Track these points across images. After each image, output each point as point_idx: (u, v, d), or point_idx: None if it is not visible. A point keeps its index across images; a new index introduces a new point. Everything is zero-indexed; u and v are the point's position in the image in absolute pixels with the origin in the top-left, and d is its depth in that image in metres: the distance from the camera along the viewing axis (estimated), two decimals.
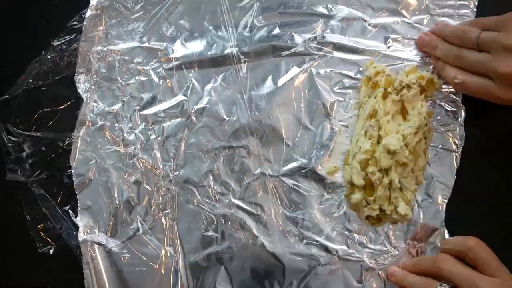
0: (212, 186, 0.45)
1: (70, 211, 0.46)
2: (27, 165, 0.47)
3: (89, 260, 0.44)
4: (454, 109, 0.43)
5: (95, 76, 0.49)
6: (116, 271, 0.44)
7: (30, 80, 0.49)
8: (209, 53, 0.48)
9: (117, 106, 0.48)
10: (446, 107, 0.43)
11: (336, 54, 0.45)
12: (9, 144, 0.48)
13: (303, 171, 0.44)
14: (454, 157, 0.42)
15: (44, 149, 0.48)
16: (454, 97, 0.43)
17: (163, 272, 0.44)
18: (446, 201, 0.42)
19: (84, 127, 0.48)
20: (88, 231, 0.45)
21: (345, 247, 0.42)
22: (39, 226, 0.46)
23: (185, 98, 0.47)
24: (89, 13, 0.50)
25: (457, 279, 0.35)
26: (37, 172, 0.47)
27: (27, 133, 0.48)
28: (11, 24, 0.53)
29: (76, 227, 0.45)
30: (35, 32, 0.52)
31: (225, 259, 0.43)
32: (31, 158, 0.47)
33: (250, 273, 0.43)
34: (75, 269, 0.44)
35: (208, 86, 0.47)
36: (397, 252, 0.41)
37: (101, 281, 0.44)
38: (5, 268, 0.47)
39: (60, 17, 0.50)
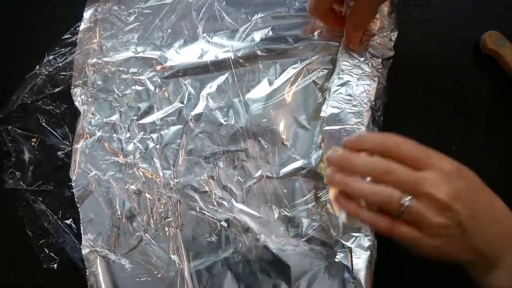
0: (213, 191, 0.45)
1: (73, 225, 0.46)
2: (27, 179, 0.47)
3: (93, 272, 0.44)
4: None
5: (91, 89, 0.49)
6: (121, 283, 0.43)
7: (26, 96, 0.49)
8: (203, 59, 0.48)
9: (114, 117, 0.48)
10: None
11: (330, 53, 0.46)
12: (8, 153, 0.47)
13: (303, 171, 0.44)
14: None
15: (43, 163, 0.48)
16: None
17: (169, 281, 0.43)
18: None
19: (82, 140, 0.48)
20: (91, 244, 0.45)
21: (349, 243, 0.42)
22: (41, 241, 0.45)
23: (182, 105, 0.47)
24: (83, 26, 0.50)
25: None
26: (37, 187, 0.47)
27: (25, 147, 0.48)
28: (4, 39, 0.53)
29: (79, 240, 0.45)
30: (29, 46, 0.52)
31: (231, 264, 0.43)
32: (31, 172, 0.47)
33: (257, 276, 0.42)
34: (79, 282, 0.44)
35: (204, 92, 0.47)
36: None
37: None
38: (5, 268, 0.47)
39: (54, 31, 0.50)
